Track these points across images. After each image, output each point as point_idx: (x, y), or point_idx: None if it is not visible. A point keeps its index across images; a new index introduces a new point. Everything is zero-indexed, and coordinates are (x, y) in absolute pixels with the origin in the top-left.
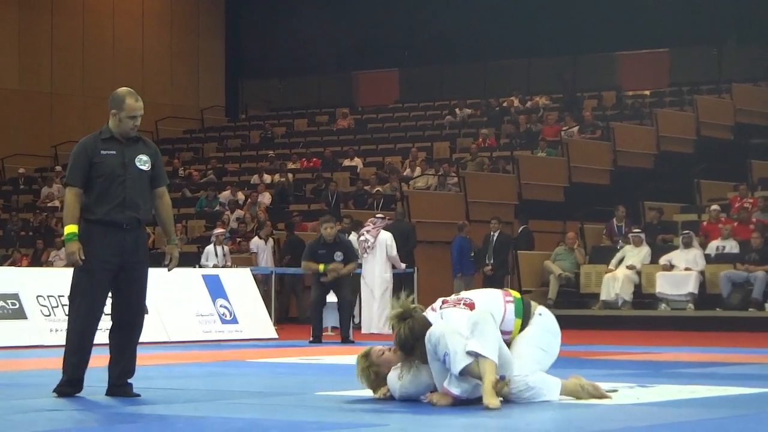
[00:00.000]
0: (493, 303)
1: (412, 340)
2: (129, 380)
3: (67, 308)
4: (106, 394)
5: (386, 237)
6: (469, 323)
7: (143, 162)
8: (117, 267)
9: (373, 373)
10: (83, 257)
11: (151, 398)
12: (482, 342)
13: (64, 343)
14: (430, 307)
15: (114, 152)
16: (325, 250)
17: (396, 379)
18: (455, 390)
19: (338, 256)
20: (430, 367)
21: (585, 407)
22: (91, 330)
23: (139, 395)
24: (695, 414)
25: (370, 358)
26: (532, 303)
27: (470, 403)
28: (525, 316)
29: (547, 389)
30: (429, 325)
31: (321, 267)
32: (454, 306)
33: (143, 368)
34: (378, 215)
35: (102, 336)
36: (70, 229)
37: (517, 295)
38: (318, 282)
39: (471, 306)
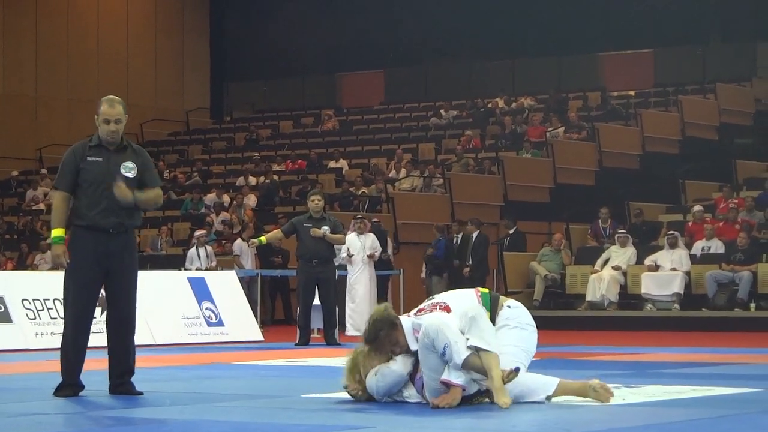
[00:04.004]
0: (470, 300)
1: (374, 330)
2: (130, 379)
3: (52, 312)
4: (110, 393)
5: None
6: (465, 319)
7: (128, 169)
8: (105, 271)
9: (358, 371)
10: (68, 260)
11: (136, 402)
12: (481, 336)
13: (50, 346)
14: (405, 315)
15: (100, 159)
16: (311, 224)
17: (372, 376)
18: (456, 380)
19: (325, 230)
20: (424, 360)
21: (570, 408)
22: (83, 333)
23: (141, 393)
24: (681, 414)
25: (362, 354)
26: (501, 297)
27: (469, 401)
28: (492, 308)
29: (541, 388)
30: (392, 317)
31: (317, 231)
32: (431, 312)
33: None
34: (358, 216)
35: (101, 339)
36: (57, 232)
37: (485, 290)
38: (305, 284)
39: (447, 309)
